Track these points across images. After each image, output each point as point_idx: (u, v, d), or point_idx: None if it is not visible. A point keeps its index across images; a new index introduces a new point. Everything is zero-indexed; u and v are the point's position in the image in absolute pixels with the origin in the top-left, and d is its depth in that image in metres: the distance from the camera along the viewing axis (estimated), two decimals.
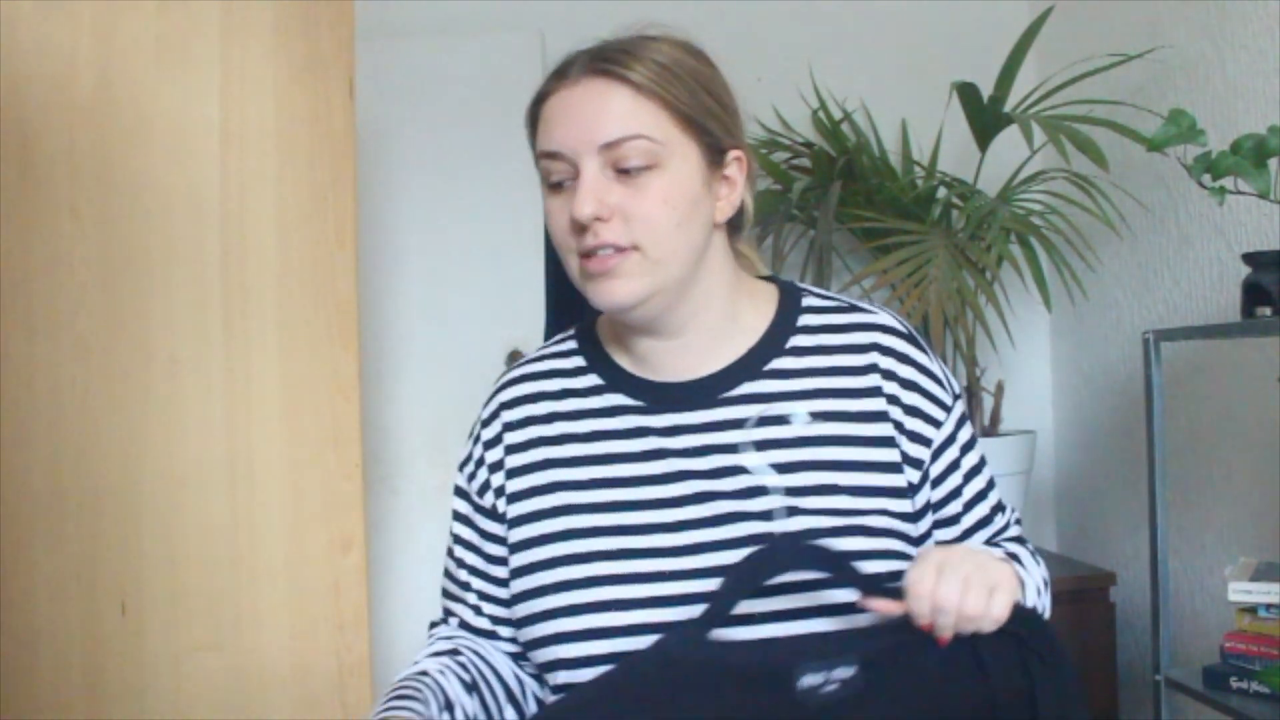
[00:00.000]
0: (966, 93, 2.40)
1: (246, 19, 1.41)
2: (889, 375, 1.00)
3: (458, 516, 1.08)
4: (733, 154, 1.00)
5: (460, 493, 1.09)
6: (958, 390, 1.05)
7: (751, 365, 1.01)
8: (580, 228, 0.94)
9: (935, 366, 1.03)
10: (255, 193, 1.40)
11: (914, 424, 0.99)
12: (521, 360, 1.11)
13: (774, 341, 1.02)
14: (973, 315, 2.47)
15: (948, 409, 1.02)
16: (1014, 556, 0.98)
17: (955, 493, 1.02)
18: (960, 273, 2.29)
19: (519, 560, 1.01)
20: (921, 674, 0.84)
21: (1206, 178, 1.73)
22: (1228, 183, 1.71)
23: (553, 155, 0.96)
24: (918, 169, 2.77)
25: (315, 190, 1.42)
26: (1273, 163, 1.68)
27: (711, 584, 0.91)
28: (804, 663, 0.83)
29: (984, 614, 0.84)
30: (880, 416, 0.99)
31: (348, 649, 1.53)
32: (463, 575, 1.06)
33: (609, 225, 0.94)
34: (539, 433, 1.04)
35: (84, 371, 1.34)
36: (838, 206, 2.44)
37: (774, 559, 0.88)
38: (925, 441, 0.99)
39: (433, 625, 1.10)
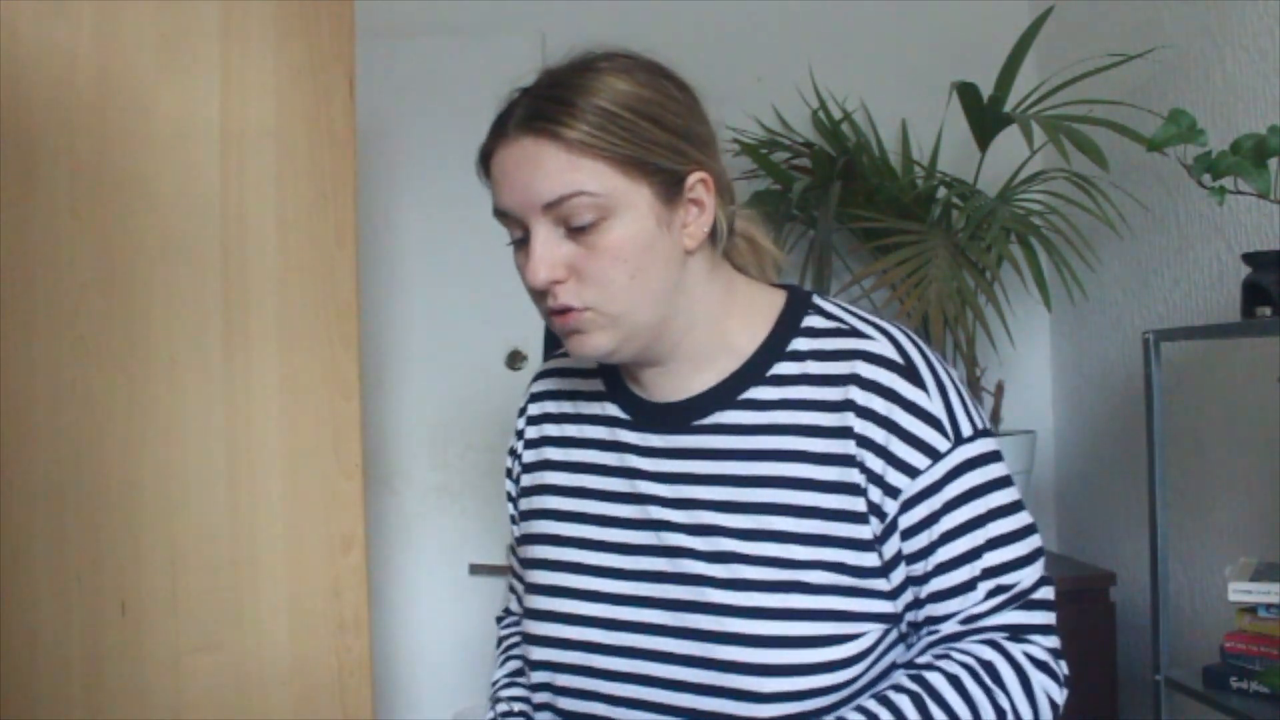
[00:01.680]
0: (966, 93, 2.40)
1: (246, 19, 1.41)
2: (865, 413, 0.91)
3: (509, 497, 1.13)
4: (694, 177, 0.95)
5: (508, 473, 1.13)
6: (968, 433, 0.93)
7: (727, 394, 0.96)
8: (539, 293, 0.92)
9: (935, 404, 0.92)
10: (255, 193, 1.40)
11: (886, 470, 0.90)
12: (557, 352, 1.11)
13: (756, 368, 0.96)
14: (973, 315, 2.47)
15: (937, 455, 0.90)
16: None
17: (924, 552, 0.91)
18: (960, 273, 2.29)
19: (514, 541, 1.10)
20: None
21: (1206, 178, 1.73)
22: (1228, 183, 1.71)
23: (503, 214, 0.94)
24: (918, 169, 2.77)
25: (315, 190, 1.42)
26: (1273, 162, 1.68)
27: (644, 615, 0.93)
28: None
29: None
30: (847, 460, 0.91)
31: (347, 649, 1.53)
32: (513, 557, 1.13)
33: (565, 286, 0.91)
34: (548, 431, 1.07)
35: (84, 371, 1.34)
36: (838, 206, 2.44)
37: None
38: (894, 492, 0.90)
39: (500, 618, 1.18)
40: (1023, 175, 2.56)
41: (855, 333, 0.96)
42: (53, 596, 1.33)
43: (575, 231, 0.91)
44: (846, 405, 0.92)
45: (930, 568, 0.91)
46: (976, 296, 2.40)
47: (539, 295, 0.93)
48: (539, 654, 0.99)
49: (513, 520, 1.12)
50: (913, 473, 0.90)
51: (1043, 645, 0.97)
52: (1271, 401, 2.04)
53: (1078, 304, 2.56)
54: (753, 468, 0.93)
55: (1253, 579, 1.77)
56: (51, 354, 1.34)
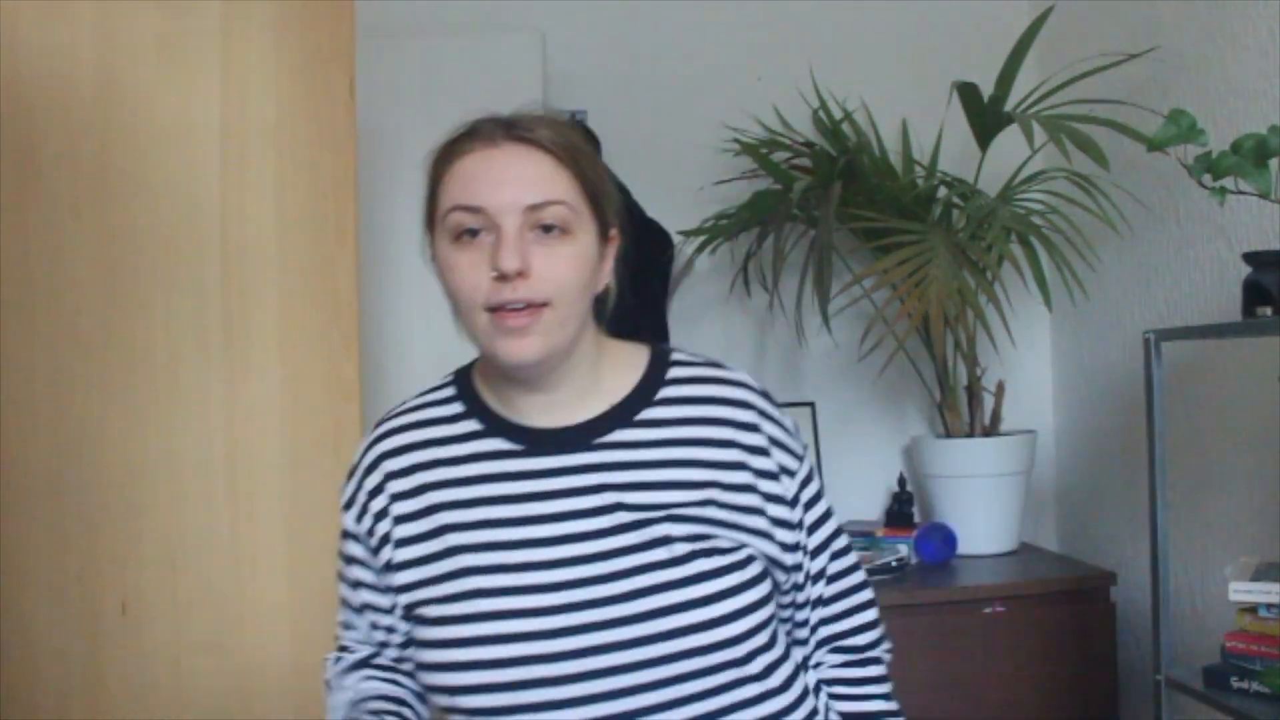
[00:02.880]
0: (967, 92, 2.40)
1: (246, 19, 1.41)
2: (746, 428, 1.10)
3: (350, 559, 1.14)
4: (613, 231, 1.09)
5: (350, 535, 1.14)
6: (802, 447, 1.15)
7: (623, 415, 1.09)
8: (500, 280, 1.00)
9: (786, 424, 1.13)
10: (255, 193, 1.40)
11: (760, 474, 1.09)
12: (395, 410, 1.17)
13: (643, 397, 1.10)
14: (973, 315, 2.47)
15: (800, 459, 1.13)
16: None
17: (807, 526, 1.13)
18: (961, 272, 2.29)
19: (409, 599, 1.08)
20: None
21: (1207, 177, 1.73)
22: (1228, 182, 1.71)
23: (473, 209, 1.01)
24: (918, 169, 2.76)
25: (315, 190, 1.42)
26: (1273, 162, 1.68)
27: (583, 617, 1.01)
28: None
29: None
30: (738, 466, 1.08)
31: None
32: (364, 616, 1.13)
33: (527, 282, 1.00)
34: (424, 479, 1.10)
35: (84, 371, 1.34)
36: (838, 206, 2.44)
37: None
38: (782, 486, 1.10)
39: (335, 657, 1.18)
40: (1023, 175, 2.56)
41: (719, 372, 1.14)
42: (53, 596, 1.33)
43: (540, 235, 1.02)
44: (727, 423, 1.09)
45: (804, 535, 1.12)
46: (977, 296, 2.40)
47: (491, 287, 1.00)
48: (464, 678, 1.03)
49: (361, 583, 1.13)
50: (790, 472, 1.11)
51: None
52: (1272, 401, 2.04)
53: (1078, 304, 2.56)
54: (657, 474, 1.07)
55: (1253, 578, 1.77)
56: (51, 354, 1.34)
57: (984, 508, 2.58)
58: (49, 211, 1.35)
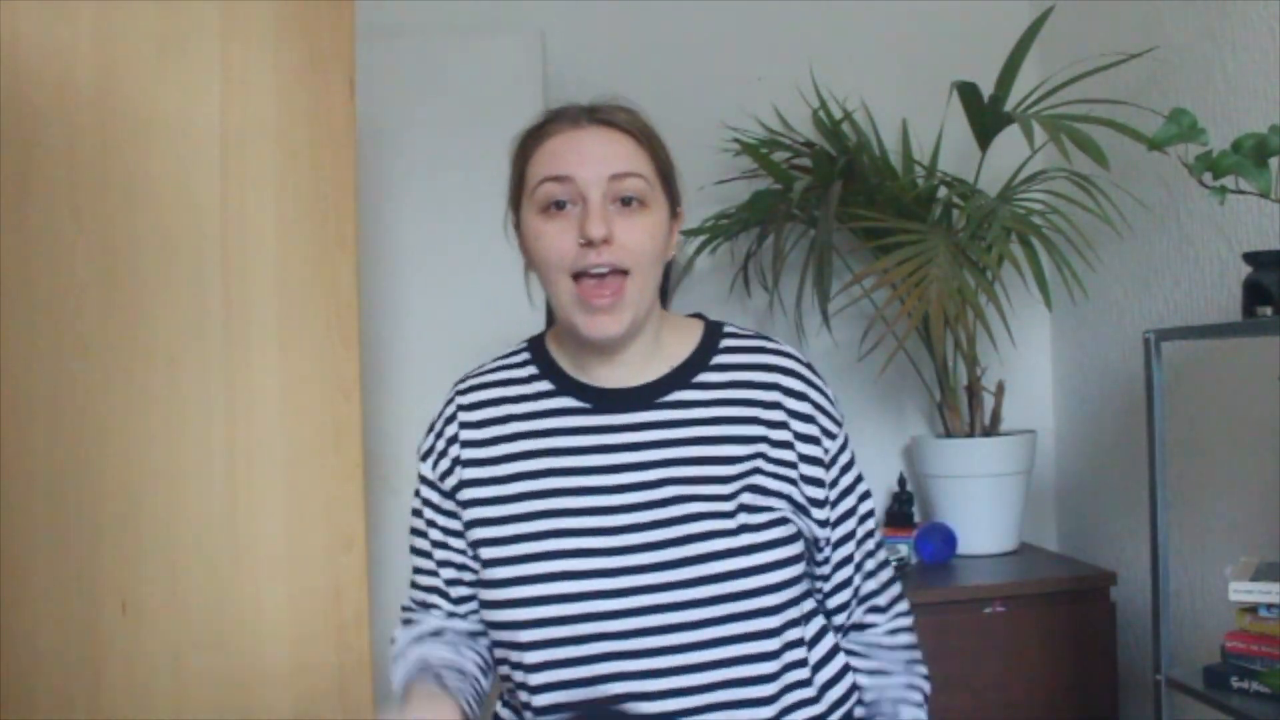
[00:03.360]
0: (967, 92, 2.40)
1: (246, 19, 1.41)
2: (791, 394, 1.21)
3: (426, 502, 1.25)
4: (679, 209, 1.23)
5: (427, 482, 1.25)
6: (841, 415, 1.25)
7: (682, 377, 1.21)
8: (586, 246, 1.10)
9: (828, 393, 1.24)
10: (255, 192, 1.40)
11: (803, 439, 1.20)
12: (473, 372, 1.29)
13: (699, 362, 1.22)
14: (973, 314, 2.47)
15: (832, 435, 1.22)
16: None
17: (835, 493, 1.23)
18: (961, 272, 2.29)
19: (477, 535, 1.17)
20: None
21: (1207, 177, 1.73)
22: (1229, 182, 1.71)
23: (562, 179, 1.13)
24: (918, 168, 2.76)
25: (315, 190, 1.42)
26: (1274, 162, 1.68)
27: (638, 559, 1.10)
28: None
29: None
30: (783, 426, 1.19)
31: (348, 649, 1.53)
32: (436, 557, 1.23)
33: (610, 248, 1.11)
34: (498, 431, 1.21)
35: (84, 371, 1.34)
36: (838, 206, 2.44)
37: None
38: (820, 449, 1.21)
39: (405, 621, 1.27)
40: (1023, 175, 2.56)
41: (768, 344, 1.25)
42: (53, 596, 1.33)
43: (622, 207, 1.14)
44: (775, 388, 1.21)
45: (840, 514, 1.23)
46: (977, 296, 2.40)
47: (577, 252, 1.11)
48: (527, 613, 1.11)
49: (435, 525, 1.23)
50: (831, 435, 1.22)
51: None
52: (1272, 401, 2.04)
53: (1078, 303, 2.56)
54: (711, 430, 1.17)
55: (1253, 578, 1.77)
56: (51, 354, 1.34)
57: (984, 508, 2.58)
58: (49, 211, 1.35)
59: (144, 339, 1.37)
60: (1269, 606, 1.74)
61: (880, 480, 2.83)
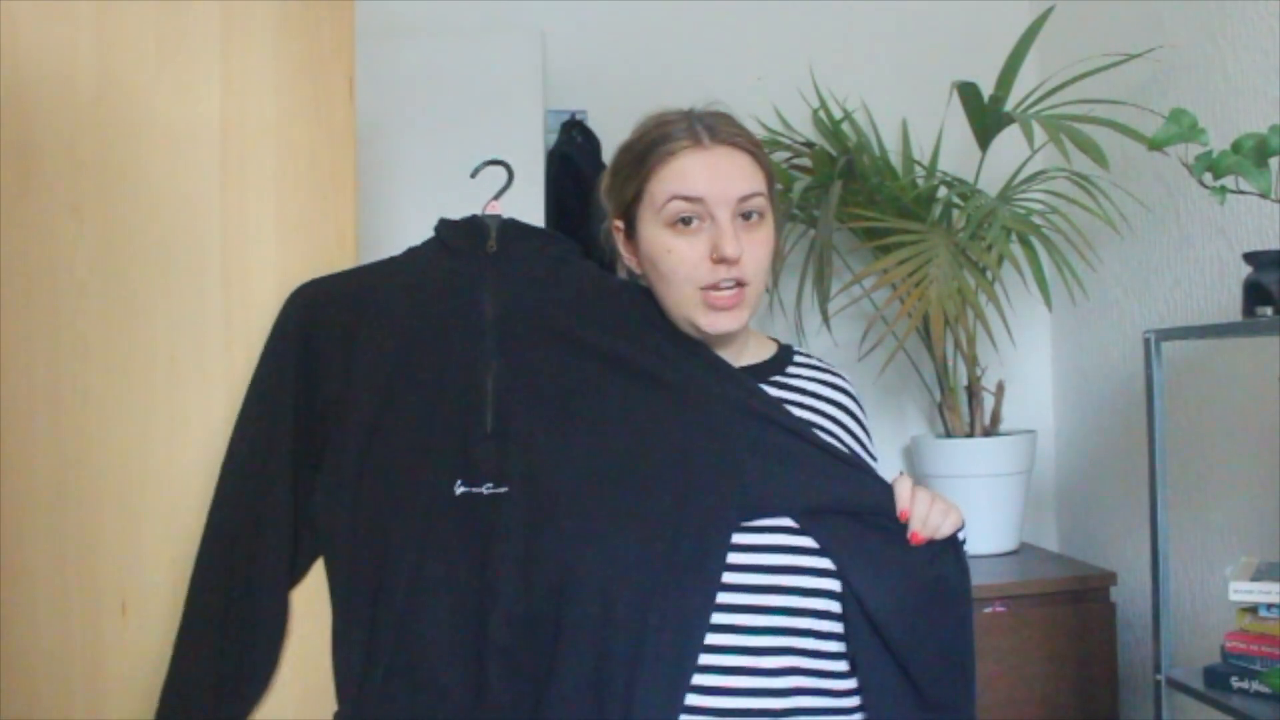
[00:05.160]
0: (967, 92, 2.40)
1: (246, 19, 1.40)
2: (846, 410, 1.34)
3: None
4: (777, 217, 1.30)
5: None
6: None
7: (761, 375, 1.31)
8: (719, 263, 1.19)
9: (868, 424, 1.37)
10: (255, 192, 1.40)
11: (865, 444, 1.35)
12: None
13: (775, 367, 1.33)
14: (973, 314, 2.47)
15: (874, 459, 1.34)
16: None
17: None
18: (961, 272, 2.29)
19: None
20: (896, 543, 1.21)
21: (1207, 177, 1.73)
22: (1229, 182, 1.71)
23: (693, 199, 1.21)
24: (918, 168, 2.76)
25: (315, 190, 1.41)
26: (1274, 162, 1.68)
27: None
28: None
29: (940, 530, 1.20)
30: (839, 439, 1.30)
31: None
32: None
33: (739, 265, 1.20)
34: None
35: (84, 371, 1.34)
36: (838, 206, 2.44)
37: None
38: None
39: None
40: (1023, 175, 2.56)
41: (832, 368, 1.37)
42: (53, 596, 1.33)
43: (746, 222, 1.22)
44: (836, 404, 1.33)
45: None
46: (977, 296, 2.40)
47: (710, 268, 1.20)
48: None
49: None
50: (873, 457, 1.35)
51: None
52: (1272, 401, 2.04)
53: (1078, 304, 2.56)
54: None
55: (1253, 579, 1.77)
56: (51, 354, 1.34)
57: (984, 508, 2.58)
58: (49, 211, 1.34)
59: (144, 339, 1.36)
60: (1269, 606, 1.74)
61: None
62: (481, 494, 1.14)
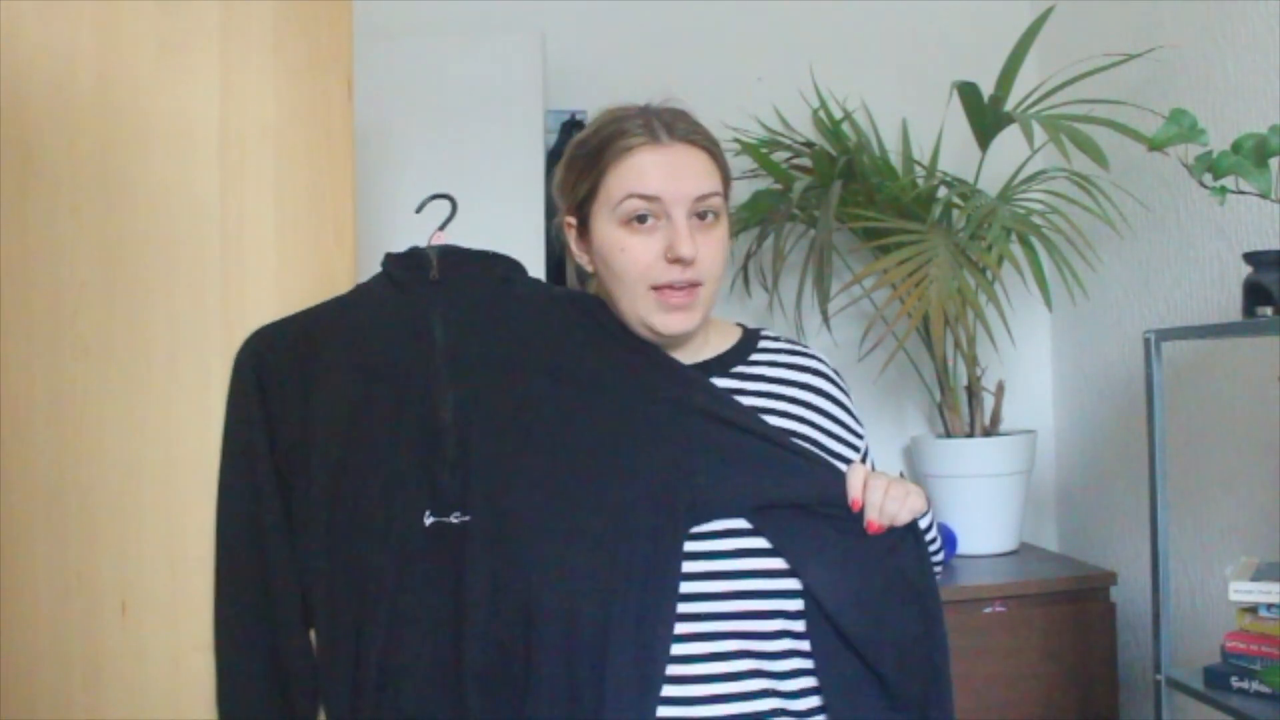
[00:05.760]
0: (967, 92, 2.40)
1: (246, 19, 1.41)
2: (819, 393, 1.31)
3: None
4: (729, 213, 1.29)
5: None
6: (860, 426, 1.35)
7: (721, 367, 1.29)
8: (675, 263, 1.18)
9: (850, 400, 1.34)
10: (255, 192, 1.40)
11: (834, 436, 1.30)
12: None
13: (737, 356, 1.30)
14: (973, 314, 2.47)
15: (859, 435, 1.33)
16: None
17: None
18: (961, 272, 2.29)
19: None
20: (851, 534, 1.19)
21: (1207, 177, 1.73)
22: (1229, 182, 1.71)
23: (649, 198, 1.19)
24: (918, 168, 2.76)
25: (315, 190, 1.41)
26: (1274, 162, 1.68)
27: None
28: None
29: (897, 518, 1.18)
30: (810, 424, 1.28)
31: None
32: None
33: (694, 266, 1.19)
34: None
35: (84, 371, 1.34)
36: (838, 206, 2.44)
37: None
38: (844, 447, 1.30)
39: None
40: (1023, 175, 2.56)
41: (801, 348, 1.34)
42: (53, 596, 1.33)
43: (701, 221, 1.21)
44: (805, 386, 1.30)
45: None
46: (977, 296, 2.40)
47: (663, 268, 1.19)
48: None
49: None
50: (857, 436, 1.32)
51: None
52: (1272, 401, 2.04)
53: (1078, 304, 2.56)
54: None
55: (1253, 578, 1.77)
56: (51, 354, 1.34)
57: (984, 508, 2.58)
58: (49, 211, 1.35)
59: (144, 339, 1.37)
60: (1269, 606, 1.74)
61: None
62: (450, 523, 1.15)
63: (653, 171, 1.20)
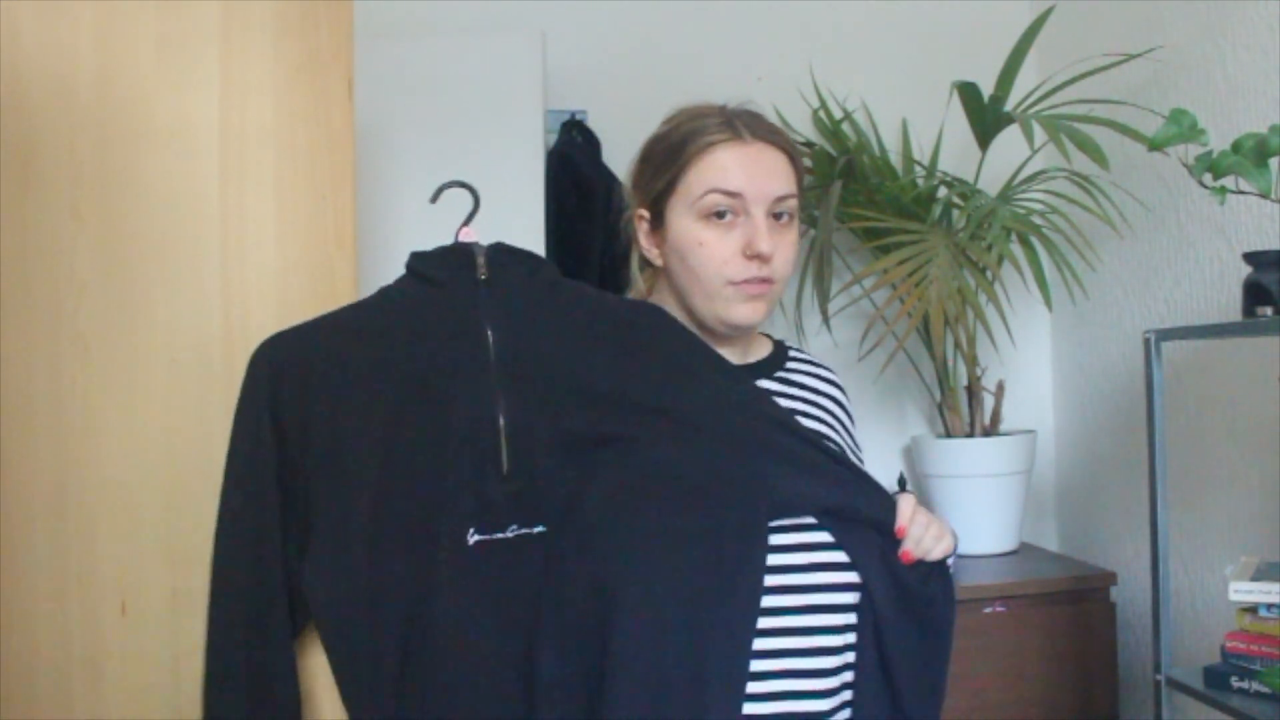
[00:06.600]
0: (967, 92, 2.40)
1: (246, 19, 1.41)
2: (840, 405, 1.39)
3: None
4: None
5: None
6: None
7: (765, 369, 1.35)
8: (753, 259, 1.21)
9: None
10: (255, 192, 1.40)
11: (848, 448, 1.37)
12: None
13: (775, 363, 1.37)
14: (973, 314, 2.47)
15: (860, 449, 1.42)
16: None
17: None
18: (961, 272, 2.29)
19: None
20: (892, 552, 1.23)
21: (1207, 177, 1.72)
22: (1229, 182, 1.71)
23: (731, 194, 1.22)
24: (918, 168, 2.76)
25: (315, 190, 1.41)
26: (1274, 162, 1.68)
27: None
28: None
29: (930, 553, 1.21)
30: (834, 429, 1.35)
31: None
32: None
33: (769, 264, 1.23)
34: None
35: (84, 371, 1.34)
36: (838, 206, 2.44)
37: None
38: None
39: None
40: (1023, 175, 2.56)
41: (824, 366, 1.43)
42: (53, 596, 1.33)
43: (776, 222, 1.25)
44: (830, 398, 1.38)
45: None
46: (977, 296, 2.40)
47: (741, 263, 1.22)
48: None
49: None
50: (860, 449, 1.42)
51: None
52: (1272, 401, 2.04)
53: (1078, 303, 2.56)
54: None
55: (1253, 578, 1.77)
56: (51, 354, 1.34)
57: (984, 508, 2.58)
58: (48, 211, 1.35)
59: (144, 339, 1.36)
60: (1269, 606, 1.74)
61: (880, 480, 2.83)
62: (505, 539, 1.09)
63: (735, 168, 1.22)
